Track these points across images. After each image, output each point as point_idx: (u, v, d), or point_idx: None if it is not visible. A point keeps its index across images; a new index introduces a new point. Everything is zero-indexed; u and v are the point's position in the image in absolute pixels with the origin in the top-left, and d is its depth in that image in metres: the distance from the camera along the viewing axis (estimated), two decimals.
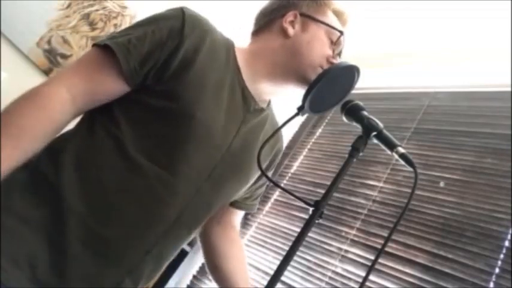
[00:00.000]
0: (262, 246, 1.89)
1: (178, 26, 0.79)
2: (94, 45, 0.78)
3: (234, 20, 1.47)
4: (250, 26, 1.00)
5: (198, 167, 0.80)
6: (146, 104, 0.78)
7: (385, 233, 1.60)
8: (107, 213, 0.73)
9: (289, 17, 0.92)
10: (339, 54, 0.96)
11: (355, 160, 0.74)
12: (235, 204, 1.06)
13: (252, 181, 0.99)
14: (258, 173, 0.98)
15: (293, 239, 0.65)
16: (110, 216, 0.73)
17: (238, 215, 1.10)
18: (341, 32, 0.93)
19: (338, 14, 0.96)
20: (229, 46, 0.89)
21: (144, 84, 0.78)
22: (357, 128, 0.80)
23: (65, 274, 0.69)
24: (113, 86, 0.76)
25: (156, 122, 0.78)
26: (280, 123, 0.77)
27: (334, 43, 0.93)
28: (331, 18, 0.95)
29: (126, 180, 0.74)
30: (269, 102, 0.99)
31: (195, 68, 0.79)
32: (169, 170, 0.76)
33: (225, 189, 0.89)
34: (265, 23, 0.96)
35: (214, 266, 1.06)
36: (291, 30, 0.91)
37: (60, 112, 0.71)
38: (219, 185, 0.86)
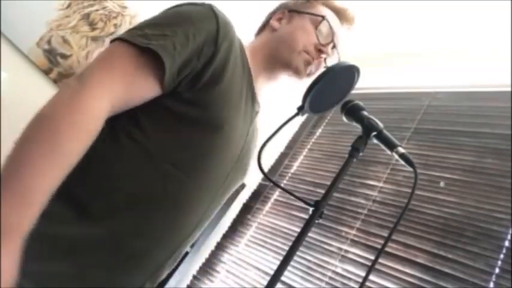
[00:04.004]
0: (262, 246, 1.89)
1: (213, 32, 0.76)
2: (124, 41, 0.70)
3: (239, 15, 1.46)
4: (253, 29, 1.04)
5: (217, 175, 0.81)
6: (173, 111, 0.75)
7: (385, 233, 1.60)
8: (134, 222, 0.71)
9: (278, 15, 0.98)
10: (332, 44, 0.93)
11: (355, 160, 0.74)
12: None
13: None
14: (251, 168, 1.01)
15: (293, 239, 0.65)
16: (137, 225, 0.71)
17: None
18: (322, 17, 0.92)
19: (339, 12, 0.96)
20: (242, 48, 0.88)
21: (174, 90, 0.74)
22: (357, 128, 0.80)
23: (84, 279, 0.68)
24: (148, 92, 0.72)
25: (183, 129, 0.75)
26: (279, 123, 0.77)
27: (317, 28, 0.92)
28: (320, 11, 0.94)
29: (154, 189, 0.72)
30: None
31: (224, 80, 0.77)
32: (195, 178, 0.76)
33: (230, 191, 0.91)
34: (260, 27, 1.03)
35: None
36: (276, 24, 0.96)
37: (100, 128, 0.65)
38: (228, 189, 0.88)
